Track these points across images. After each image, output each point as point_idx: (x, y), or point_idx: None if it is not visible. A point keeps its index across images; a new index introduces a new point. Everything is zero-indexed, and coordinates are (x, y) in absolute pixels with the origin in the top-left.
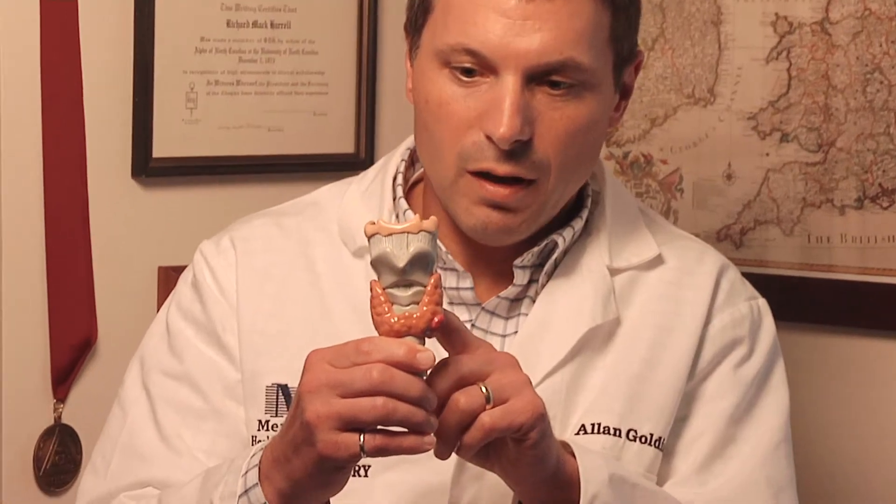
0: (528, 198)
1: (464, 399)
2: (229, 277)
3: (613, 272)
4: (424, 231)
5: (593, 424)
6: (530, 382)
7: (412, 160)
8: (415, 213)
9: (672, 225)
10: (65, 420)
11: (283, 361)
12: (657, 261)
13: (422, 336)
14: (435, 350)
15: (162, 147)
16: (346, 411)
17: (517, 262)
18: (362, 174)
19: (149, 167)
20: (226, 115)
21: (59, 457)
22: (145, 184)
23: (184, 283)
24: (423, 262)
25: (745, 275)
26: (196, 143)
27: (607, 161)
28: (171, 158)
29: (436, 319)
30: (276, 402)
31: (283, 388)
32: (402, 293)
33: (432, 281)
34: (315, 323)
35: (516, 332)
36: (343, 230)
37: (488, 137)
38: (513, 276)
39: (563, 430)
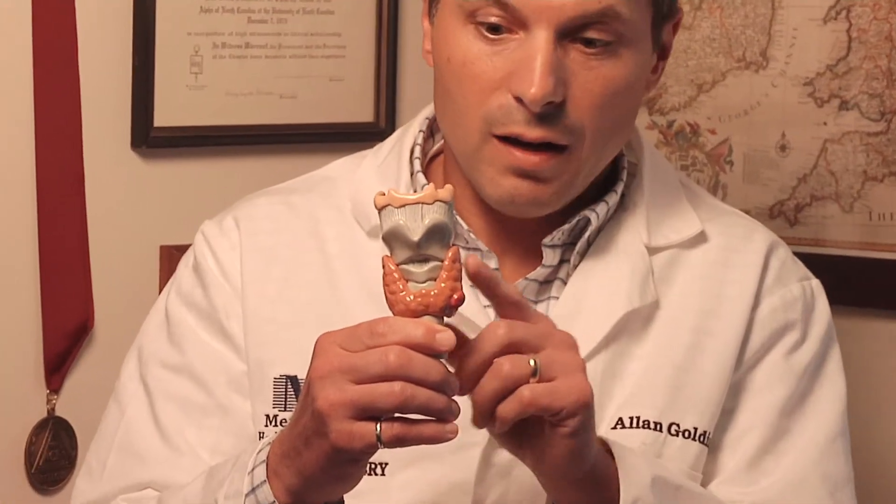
0: (560, 166)
1: (508, 366)
2: (233, 260)
3: (652, 251)
4: (440, 201)
5: (632, 418)
6: (584, 368)
7: (431, 131)
8: (406, 194)
9: (717, 200)
10: (59, 412)
11: (291, 351)
12: (700, 238)
13: (440, 315)
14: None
15: (164, 115)
16: (361, 398)
17: (546, 240)
18: (377, 147)
19: (149, 137)
20: (233, 81)
21: (53, 452)
22: (146, 155)
23: (184, 267)
24: (439, 235)
25: (801, 255)
26: (201, 111)
27: (650, 131)
28: (173, 128)
29: (455, 297)
30: (285, 394)
31: (293, 380)
32: (418, 269)
33: (450, 255)
34: (327, 308)
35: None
36: (356, 208)
37: (517, 99)
38: (542, 257)
39: (599, 423)
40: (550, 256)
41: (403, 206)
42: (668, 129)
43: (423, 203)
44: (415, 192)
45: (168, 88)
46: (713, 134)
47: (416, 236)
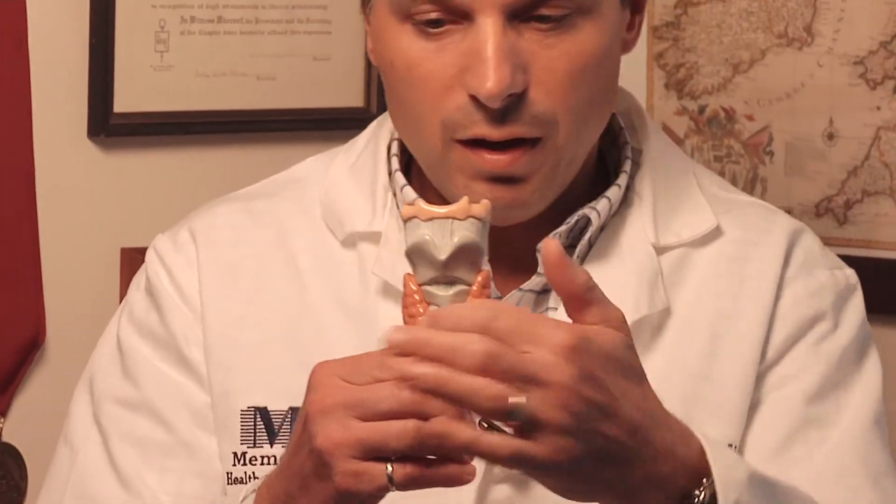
0: (535, 161)
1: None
2: (190, 278)
3: (660, 251)
4: (473, 217)
5: None
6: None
7: None
8: (414, 190)
9: (735, 188)
10: (6, 438)
11: (260, 379)
12: (714, 233)
13: None
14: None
15: (125, 100)
16: (370, 437)
17: (541, 244)
18: (351, 142)
19: (109, 125)
20: (204, 60)
21: (0, 483)
22: (105, 145)
23: (136, 290)
24: (469, 256)
25: (850, 258)
26: (168, 94)
27: (678, 117)
28: (136, 114)
29: None
30: (254, 429)
31: (262, 412)
32: (443, 292)
33: (479, 279)
34: (298, 329)
35: None
36: (328, 213)
37: (474, 97)
38: (537, 264)
39: None
40: None
41: (431, 219)
42: (699, 116)
43: (453, 218)
44: (394, 194)
45: (130, 69)
46: (751, 120)
47: (442, 255)
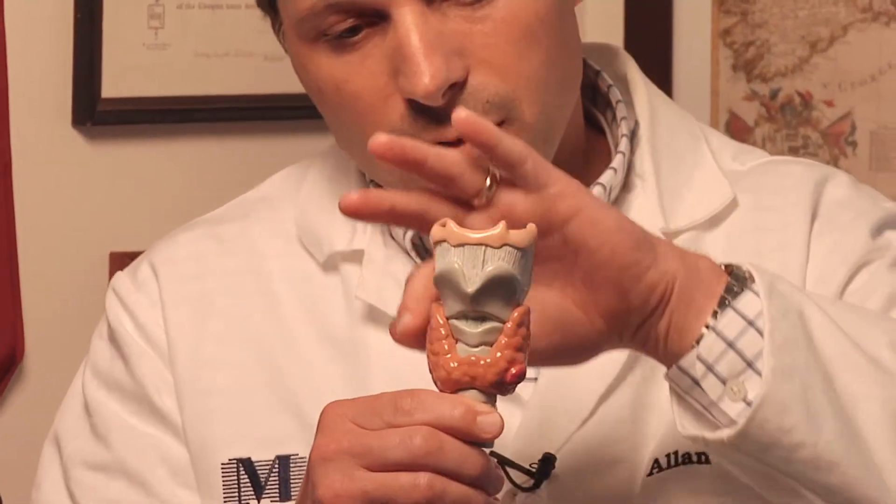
0: None
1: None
2: (155, 318)
3: (670, 235)
4: (510, 246)
5: (669, 455)
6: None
7: None
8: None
9: (750, 147)
10: None
11: (240, 426)
12: (731, 207)
13: (490, 392)
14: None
15: (115, 84)
16: (376, 490)
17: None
18: (326, 150)
19: (96, 112)
20: (204, 39)
21: None
22: (91, 135)
23: (98, 339)
24: (503, 290)
25: None
26: (163, 77)
27: (748, 102)
28: (127, 100)
29: (512, 371)
30: (238, 483)
31: (246, 464)
32: (471, 328)
33: (515, 316)
34: (280, 367)
35: None
36: (305, 233)
37: (412, 101)
38: None
39: (634, 472)
40: None
41: (462, 245)
42: (771, 101)
43: (487, 245)
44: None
45: (120, 48)
46: (830, 106)
47: (471, 287)
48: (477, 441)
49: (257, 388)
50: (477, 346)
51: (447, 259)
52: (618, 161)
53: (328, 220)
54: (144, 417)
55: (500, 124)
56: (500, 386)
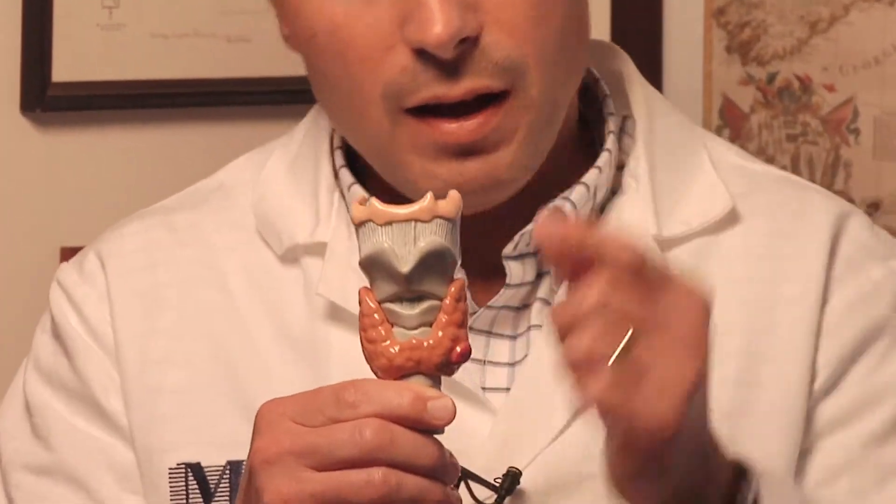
0: (508, 121)
1: (585, 335)
2: (101, 313)
3: (665, 244)
4: (441, 218)
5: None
6: (694, 382)
7: None
8: (364, 189)
9: (756, 160)
10: None
11: (190, 429)
12: (731, 219)
13: (436, 374)
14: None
15: (66, 67)
16: (327, 490)
17: (508, 250)
18: (289, 134)
19: (47, 97)
20: (162, 18)
21: None
22: (41, 122)
23: (41, 333)
24: (438, 265)
25: None
26: (118, 60)
27: (743, 87)
28: (79, 84)
29: (457, 349)
30: (186, 490)
31: (195, 469)
32: (408, 310)
33: (452, 291)
34: (234, 367)
35: (527, 356)
36: (263, 224)
37: (418, 51)
38: (504, 273)
39: (606, 491)
40: (518, 271)
41: (389, 223)
42: (768, 86)
43: (416, 220)
44: (342, 195)
45: (71, 29)
46: (831, 91)
47: (405, 267)
48: (429, 429)
49: (209, 388)
50: (416, 328)
51: (374, 240)
52: (603, 159)
53: (288, 209)
54: (89, 418)
55: (505, 94)
56: (446, 367)
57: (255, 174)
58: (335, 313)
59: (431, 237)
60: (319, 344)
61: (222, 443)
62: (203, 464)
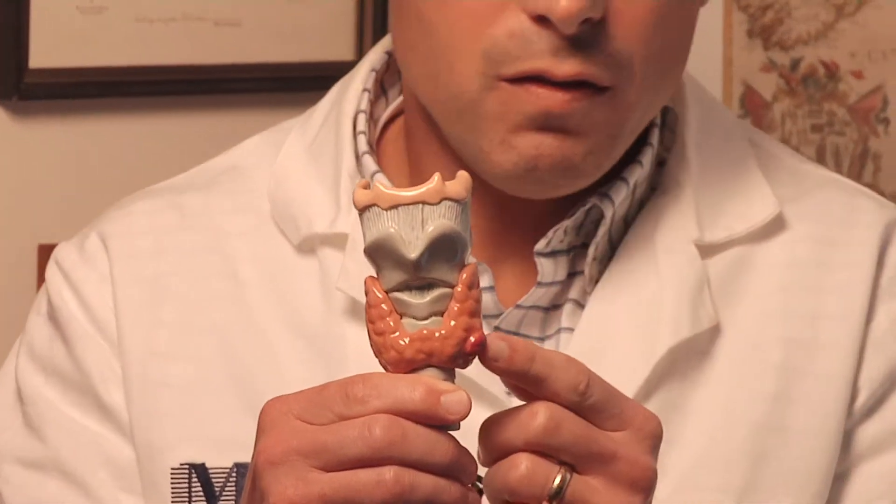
0: (600, 112)
1: (523, 470)
2: (103, 298)
3: (706, 250)
4: (449, 199)
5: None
6: (651, 486)
7: (382, 87)
8: (386, 175)
9: (806, 159)
10: None
11: (195, 427)
12: (776, 225)
13: (450, 366)
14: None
15: (44, 53)
16: (336, 492)
17: (540, 245)
18: (307, 114)
19: (23, 84)
20: (147, 1)
21: None
22: (18, 111)
23: (36, 316)
24: (448, 250)
25: None
26: (99, 45)
27: (764, 74)
28: (58, 71)
29: (471, 339)
30: (189, 492)
31: (199, 470)
32: (418, 299)
33: (464, 278)
34: (243, 363)
35: None
36: (279, 211)
37: (538, 19)
38: (536, 270)
39: None
40: (550, 269)
41: (395, 206)
42: (791, 72)
43: (424, 203)
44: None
45: (49, 12)
46: (859, 78)
47: (413, 252)
48: (443, 424)
49: (217, 384)
50: (426, 318)
51: (379, 225)
52: (646, 155)
53: (307, 196)
54: (87, 410)
55: (603, 90)
56: (460, 358)
57: (271, 156)
58: (354, 310)
59: (440, 220)
60: (335, 342)
61: (229, 443)
62: (208, 465)
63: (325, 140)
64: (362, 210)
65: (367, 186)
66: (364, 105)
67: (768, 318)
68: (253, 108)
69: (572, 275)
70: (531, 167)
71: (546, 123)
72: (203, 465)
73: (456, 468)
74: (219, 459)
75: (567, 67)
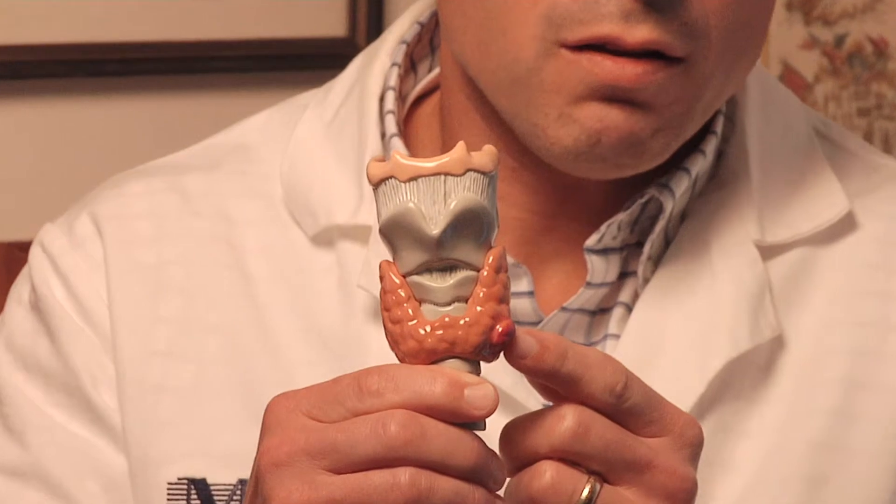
0: (673, 85)
1: (549, 479)
2: (96, 288)
3: (768, 252)
4: (474, 171)
5: None
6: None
7: (412, 61)
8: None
9: (876, 150)
10: None
11: (195, 438)
12: (845, 225)
13: (475, 358)
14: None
15: (2, 28)
16: (347, 496)
17: (591, 241)
18: (325, 88)
19: None
20: None
21: None
22: None
23: (16, 304)
24: (474, 228)
25: None
26: (62, 20)
27: (805, 52)
28: (14, 48)
29: (499, 328)
30: None
31: (199, 486)
32: (439, 283)
33: (490, 261)
34: (251, 366)
35: None
36: (293, 197)
37: None
38: (586, 269)
39: None
40: (601, 268)
41: (415, 178)
42: (835, 50)
43: (447, 174)
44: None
45: None
46: None
47: (435, 228)
48: (467, 422)
49: (221, 390)
50: (449, 304)
51: (397, 199)
52: (710, 144)
53: (326, 182)
54: (74, 413)
55: (676, 61)
56: (486, 349)
57: (284, 135)
58: (377, 311)
59: (465, 193)
60: (354, 345)
61: (233, 457)
62: (209, 480)
63: (346, 119)
64: (377, 184)
65: (381, 160)
66: (393, 81)
67: (833, 328)
68: (237, 90)
69: (623, 275)
70: (594, 142)
71: (612, 95)
72: (204, 480)
73: (481, 471)
74: (222, 475)
75: (639, 34)
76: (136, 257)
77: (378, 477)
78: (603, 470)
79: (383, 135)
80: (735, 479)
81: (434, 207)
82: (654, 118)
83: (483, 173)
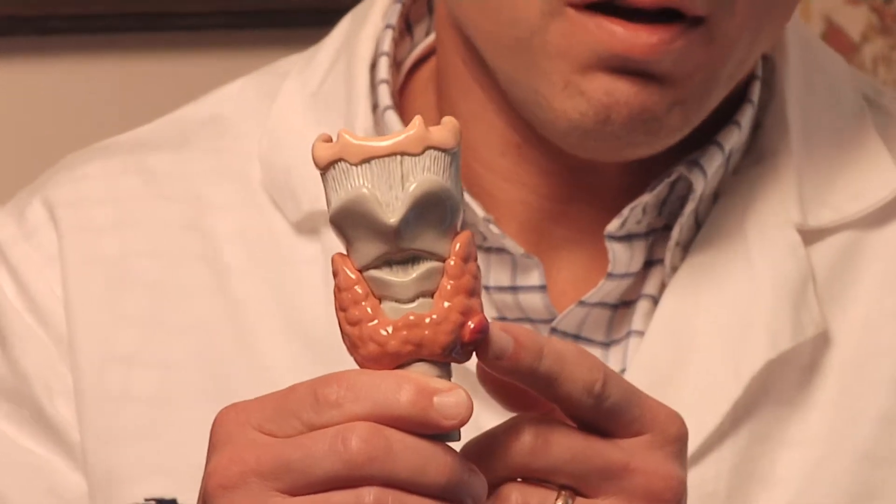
0: (694, 53)
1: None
2: (49, 284)
3: (810, 237)
4: (434, 148)
5: None
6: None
7: (407, 22)
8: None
9: None
10: None
11: (164, 453)
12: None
13: (444, 360)
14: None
15: None
16: None
17: (612, 226)
18: (308, 54)
19: None
20: None
21: None
22: None
23: None
24: (435, 213)
25: None
26: None
27: (851, 8)
28: None
29: (470, 325)
30: None
31: None
32: (400, 277)
33: (457, 248)
34: (227, 371)
35: (624, 370)
36: (274, 178)
37: None
38: (607, 259)
39: None
40: (624, 256)
41: (367, 160)
42: (885, 5)
43: (403, 154)
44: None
45: None
46: None
47: (393, 216)
48: (438, 433)
49: (193, 398)
50: (413, 301)
51: (348, 185)
52: (745, 114)
53: (311, 161)
54: (25, 427)
55: (698, 21)
56: (456, 349)
57: (262, 107)
58: None
59: (426, 175)
60: (342, 346)
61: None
62: (180, 501)
63: (333, 90)
64: (325, 169)
65: (328, 140)
66: (387, 46)
67: (883, 323)
68: (215, 52)
69: (649, 264)
70: (602, 118)
71: (624, 66)
72: (174, 501)
73: (455, 489)
74: (194, 495)
75: None
76: (96, 248)
77: (339, 498)
78: (573, 483)
79: (375, 107)
80: (776, 494)
81: (391, 192)
82: (671, 91)
83: (444, 150)
